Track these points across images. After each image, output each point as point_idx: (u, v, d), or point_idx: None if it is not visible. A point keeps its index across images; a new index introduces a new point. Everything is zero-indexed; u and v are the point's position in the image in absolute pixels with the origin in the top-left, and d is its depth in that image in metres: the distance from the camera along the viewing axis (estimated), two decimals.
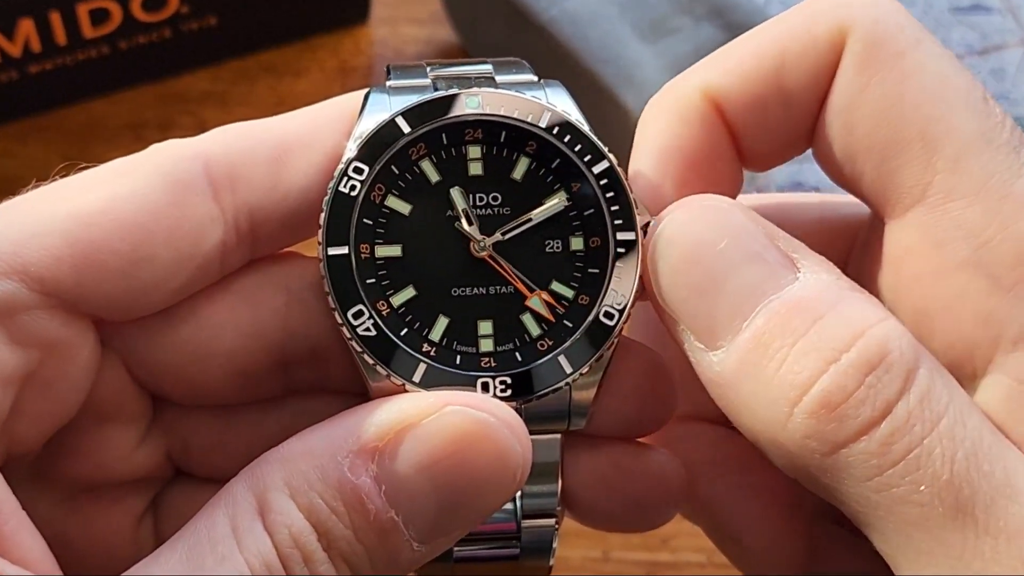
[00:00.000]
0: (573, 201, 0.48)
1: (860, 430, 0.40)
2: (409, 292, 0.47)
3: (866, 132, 0.45)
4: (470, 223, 0.47)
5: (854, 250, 0.51)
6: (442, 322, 0.47)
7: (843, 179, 0.47)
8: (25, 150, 0.94)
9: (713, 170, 0.48)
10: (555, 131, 0.47)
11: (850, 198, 0.49)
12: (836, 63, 0.46)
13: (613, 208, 0.47)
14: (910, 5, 1.00)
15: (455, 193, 0.47)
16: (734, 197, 0.48)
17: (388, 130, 0.47)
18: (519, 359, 0.47)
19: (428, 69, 0.49)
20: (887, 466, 0.40)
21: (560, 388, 0.46)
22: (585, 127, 0.47)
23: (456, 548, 0.48)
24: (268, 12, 1.00)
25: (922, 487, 0.39)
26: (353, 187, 0.46)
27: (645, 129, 0.49)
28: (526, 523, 0.48)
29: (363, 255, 0.46)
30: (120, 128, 0.96)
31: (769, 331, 0.42)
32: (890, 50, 0.45)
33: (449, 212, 0.47)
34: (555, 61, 0.91)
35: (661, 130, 0.48)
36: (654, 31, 0.90)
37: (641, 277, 0.46)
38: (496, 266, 0.47)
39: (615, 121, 0.87)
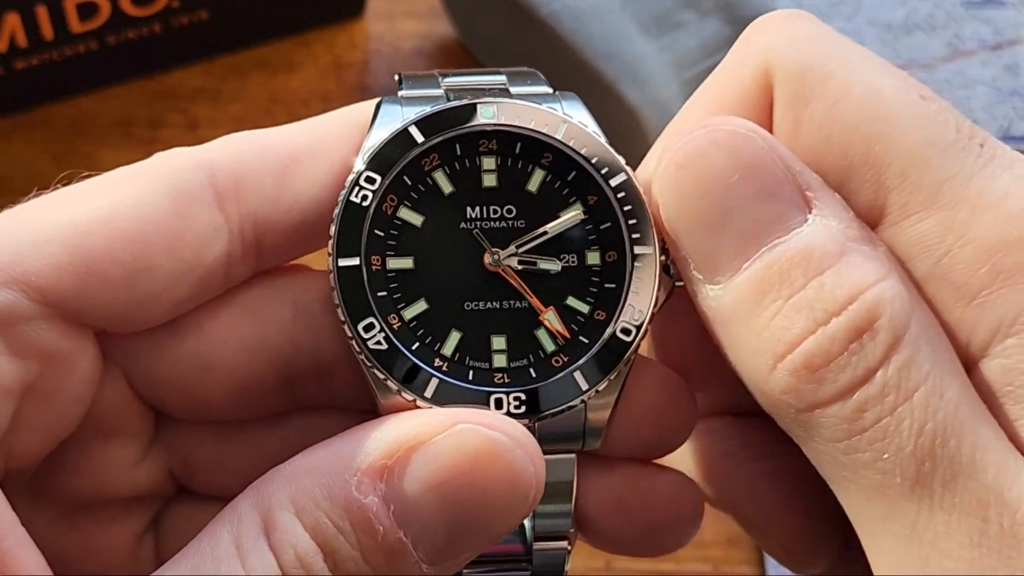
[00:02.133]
0: (589, 214, 0.48)
1: (836, 394, 0.41)
2: (421, 305, 0.47)
3: (812, 167, 0.45)
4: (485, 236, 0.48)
5: None
6: (454, 336, 0.47)
7: None
8: (11, 148, 0.94)
9: None
10: (572, 143, 0.47)
11: None
12: (771, 106, 0.46)
13: (631, 222, 0.47)
14: (921, 1, 1.00)
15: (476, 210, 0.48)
16: None
17: (401, 140, 0.47)
18: (533, 375, 0.47)
19: (441, 79, 0.49)
20: (856, 432, 0.41)
21: (575, 406, 0.47)
22: (602, 139, 0.48)
23: (465, 570, 0.48)
24: (261, 6, 1.00)
25: (885, 455, 0.41)
26: (365, 197, 0.46)
27: None
28: (538, 545, 0.49)
29: (374, 267, 0.47)
30: (109, 125, 0.96)
31: (767, 279, 0.43)
32: (814, 79, 0.45)
33: (463, 224, 0.48)
34: (556, 56, 0.91)
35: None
36: (658, 25, 0.91)
37: (659, 291, 0.47)
38: (510, 280, 0.47)
39: (618, 119, 0.87)
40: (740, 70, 0.47)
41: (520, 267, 0.47)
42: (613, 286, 0.47)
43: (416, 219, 0.48)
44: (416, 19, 1.05)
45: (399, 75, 0.50)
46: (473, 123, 0.47)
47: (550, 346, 0.47)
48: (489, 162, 0.48)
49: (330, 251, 0.46)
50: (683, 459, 0.55)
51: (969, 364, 0.43)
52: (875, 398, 0.41)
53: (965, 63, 0.98)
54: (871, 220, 0.44)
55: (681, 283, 0.47)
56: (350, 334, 0.46)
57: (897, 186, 0.43)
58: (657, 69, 0.89)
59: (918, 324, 0.42)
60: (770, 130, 0.46)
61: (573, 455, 0.48)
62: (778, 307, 0.42)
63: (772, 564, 0.77)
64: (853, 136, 0.44)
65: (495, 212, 0.48)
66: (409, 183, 0.47)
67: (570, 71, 0.90)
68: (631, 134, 0.86)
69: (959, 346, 0.43)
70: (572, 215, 0.48)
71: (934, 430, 0.40)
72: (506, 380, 0.47)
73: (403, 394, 0.46)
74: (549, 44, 0.92)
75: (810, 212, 0.43)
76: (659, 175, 0.45)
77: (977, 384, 0.42)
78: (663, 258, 0.47)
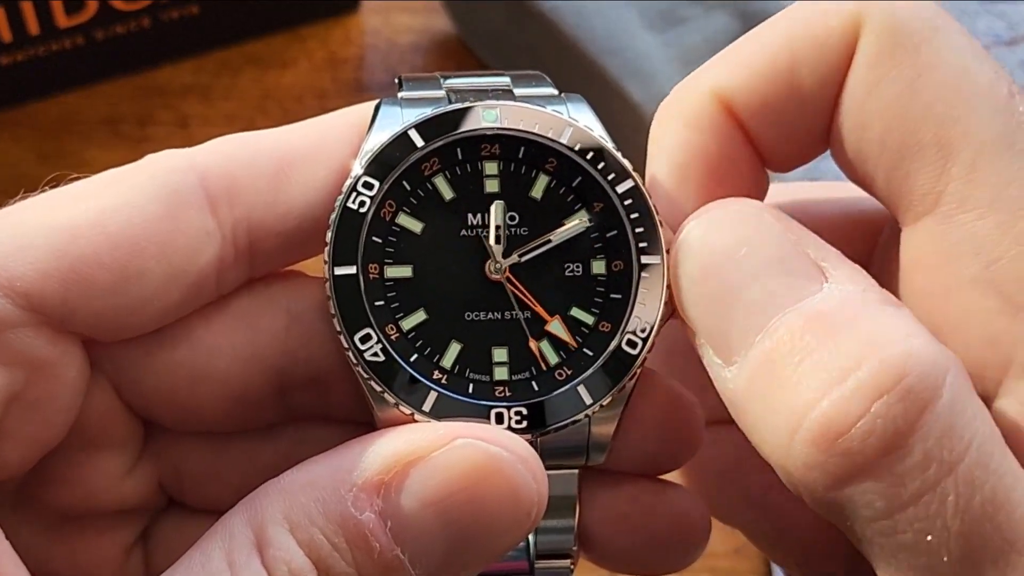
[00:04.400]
0: (595, 222, 0.48)
1: (866, 466, 0.39)
2: (420, 316, 0.47)
3: (878, 133, 0.44)
4: (497, 242, 0.47)
5: (877, 250, 0.51)
6: (454, 348, 0.47)
7: (859, 180, 0.47)
8: None
9: (734, 176, 0.48)
10: (577, 148, 0.47)
11: None
12: (850, 58, 0.45)
13: (638, 230, 0.47)
14: None
15: (496, 208, 0.47)
16: (761, 199, 0.49)
17: (400, 144, 0.47)
18: (536, 389, 0.47)
19: (442, 80, 0.49)
20: (894, 510, 0.39)
21: (579, 420, 0.47)
22: (609, 144, 0.48)
23: None
24: (253, 0, 1.00)
25: (929, 537, 0.39)
26: (362, 203, 0.46)
27: (658, 139, 0.49)
28: (540, 563, 0.49)
29: (372, 276, 0.47)
30: (96, 123, 0.96)
31: (779, 347, 0.41)
32: (906, 43, 0.44)
33: (463, 231, 0.48)
34: (558, 52, 0.91)
35: (675, 140, 0.48)
36: (663, 20, 0.91)
37: (667, 302, 0.47)
38: (513, 290, 0.47)
39: (622, 116, 0.87)
40: (826, 16, 0.46)
41: (526, 260, 0.47)
42: (619, 297, 0.47)
43: (415, 226, 0.48)
44: (413, 13, 1.05)
45: (399, 77, 0.50)
46: (475, 127, 0.47)
47: (553, 358, 0.47)
48: (491, 167, 0.48)
49: (326, 259, 0.46)
50: (689, 471, 0.55)
51: (1009, 380, 0.42)
52: (914, 471, 0.38)
53: None
54: (925, 206, 0.44)
55: None
56: (346, 345, 0.46)
57: (962, 176, 0.43)
58: (661, 65, 0.89)
59: (955, 383, 0.39)
60: (842, 83, 0.45)
61: (576, 470, 0.48)
62: (789, 375, 0.40)
63: (779, 574, 0.77)
64: (929, 112, 0.43)
65: None
66: (408, 188, 0.47)
67: (572, 67, 0.90)
68: (635, 132, 0.86)
69: (998, 359, 0.42)
70: (577, 223, 0.48)
71: (982, 504, 0.38)
72: (507, 394, 0.47)
73: (401, 407, 0.46)
74: (550, 39, 0.92)
75: (826, 281, 0.42)
76: (671, 264, 0.45)
77: (1018, 400, 0.41)
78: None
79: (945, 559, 0.39)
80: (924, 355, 0.39)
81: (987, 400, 0.42)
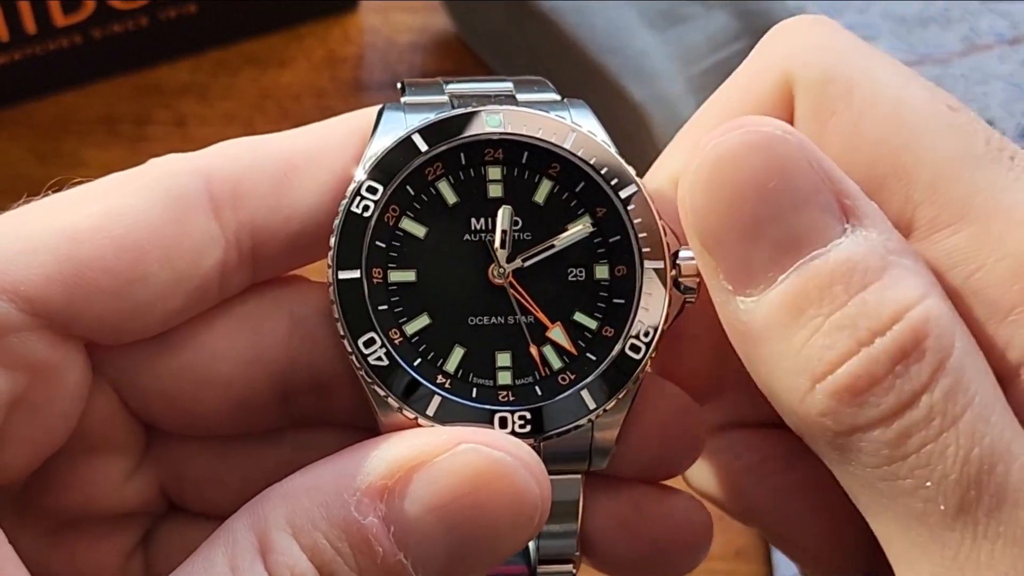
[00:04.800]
0: (598, 227, 0.48)
1: (880, 419, 0.41)
2: (423, 320, 0.47)
3: None
4: (503, 246, 0.47)
5: None
6: (458, 352, 0.48)
7: None
8: None
9: None
10: (580, 153, 0.48)
11: None
12: (791, 118, 0.46)
13: (641, 235, 0.47)
14: None
15: (503, 212, 0.48)
16: None
17: (404, 148, 0.47)
18: (539, 393, 0.47)
19: (445, 86, 0.50)
20: (898, 457, 0.41)
21: (582, 425, 0.47)
22: (612, 149, 0.48)
23: None
24: None
25: (928, 483, 0.40)
26: (366, 208, 0.47)
27: None
28: (542, 568, 0.49)
29: (375, 280, 0.47)
30: (93, 122, 0.96)
31: (806, 293, 0.42)
32: (838, 89, 0.45)
33: (467, 236, 0.48)
34: (558, 51, 0.91)
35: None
36: (663, 19, 0.90)
37: (669, 306, 0.47)
38: (516, 294, 0.48)
39: (622, 116, 0.87)
40: (759, 76, 0.47)
41: (529, 265, 0.48)
42: (622, 302, 0.48)
43: (419, 230, 0.48)
44: (412, 12, 1.05)
45: (401, 82, 0.50)
46: (478, 131, 0.48)
47: (557, 363, 0.48)
48: (495, 172, 0.48)
49: (330, 263, 0.47)
50: (702, 476, 0.55)
51: (1002, 382, 0.42)
52: (920, 423, 0.40)
53: (981, 58, 0.97)
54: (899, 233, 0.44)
55: (692, 300, 0.47)
56: (350, 349, 0.46)
57: (926, 199, 0.43)
58: (662, 64, 0.89)
59: (961, 344, 0.41)
60: None
61: (579, 475, 0.48)
62: (818, 324, 0.41)
63: None
64: (880, 148, 0.44)
65: None
66: (412, 193, 0.48)
67: (572, 66, 0.90)
68: (636, 132, 0.86)
69: (990, 364, 0.42)
70: (580, 227, 0.48)
71: (980, 456, 0.40)
72: (511, 398, 0.47)
73: (404, 412, 0.46)
74: (550, 38, 0.92)
75: (848, 222, 0.42)
76: (690, 176, 0.44)
77: (1011, 404, 0.42)
78: (673, 272, 0.47)
79: (942, 507, 0.40)
80: (940, 316, 0.41)
81: None
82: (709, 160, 0.43)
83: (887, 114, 0.44)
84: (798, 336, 0.42)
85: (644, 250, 0.47)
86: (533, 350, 0.48)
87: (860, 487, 0.43)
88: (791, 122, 0.46)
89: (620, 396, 0.47)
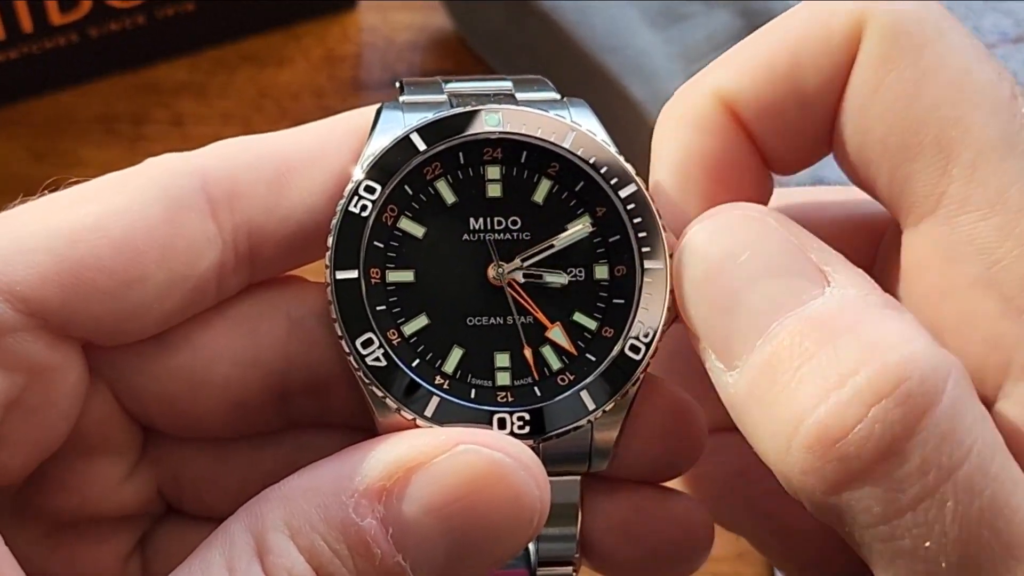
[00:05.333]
0: (598, 227, 0.48)
1: (863, 470, 0.39)
2: (422, 320, 0.47)
3: (880, 135, 0.45)
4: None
5: (879, 253, 0.51)
6: (456, 353, 0.48)
7: (861, 183, 0.47)
8: None
9: (738, 178, 0.48)
10: (580, 152, 0.48)
11: None
12: (853, 60, 0.46)
13: (640, 235, 0.47)
14: None
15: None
16: (765, 203, 0.49)
17: (402, 147, 0.47)
18: (538, 394, 0.47)
19: (444, 85, 0.50)
20: (892, 515, 0.39)
21: (581, 426, 0.47)
22: (612, 148, 0.48)
23: None
24: None
25: (928, 543, 0.39)
26: (364, 207, 0.47)
27: (661, 142, 0.49)
28: (541, 571, 0.49)
29: (373, 280, 0.47)
30: (90, 121, 0.96)
31: (780, 352, 0.41)
32: (908, 44, 0.44)
33: (465, 236, 0.48)
34: (557, 49, 0.91)
35: (679, 142, 0.48)
36: (664, 17, 0.91)
37: (670, 308, 0.47)
38: (515, 295, 0.48)
39: (622, 114, 0.87)
40: (829, 16, 0.46)
41: (524, 280, 0.48)
42: (622, 302, 0.48)
43: (417, 230, 0.48)
44: (411, 10, 1.05)
45: (400, 81, 0.50)
46: (477, 130, 0.48)
47: (556, 364, 0.48)
48: (494, 171, 0.48)
49: (327, 263, 0.47)
50: (693, 478, 0.55)
51: (1009, 382, 0.42)
52: (912, 476, 0.38)
53: None
54: (926, 207, 0.44)
55: None
56: (348, 350, 0.46)
57: (963, 177, 0.43)
58: (663, 63, 0.89)
59: (956, 389, 0.39)
60: (845, 84, 0.46)
61: (578, 477, 0.48)
62: (788, 380, 0.41)
63: None
64: (932, 114, 0.44)
65: (500, 224, 0.48)
66: (410, 193, 0.48)
67: (572, 65, 0.90)
68: (636, 131, 0.86)
69: (998, 362, 0.42)
70: (580, 227, 0.48)
71: (981, 511, 0.39)
72: (510, 399, 0.47)
73: (402, 412, 0.46)
74: (550, 37, 0.92)
75: (828, 285, 0.42)
76: (674, 269, 0.45)
77: (1018, 403, 0.42)
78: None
79: (943, 565, 0.39)
80: (925, 359, 0.39)
81: (987, 402, 0.42)
82: (686, 248, 0.45)
83: (950, 81, 0.44)
84: (772, 395, 0.41)
85: (644, 250, 0.47)
86: (527, 352, 0.48)
87: (860, 547, 0.41)
88: (850, 63, 0.46)
89: (620, 397, 0.47)
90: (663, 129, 0.49)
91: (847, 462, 0.39)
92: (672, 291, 0.47)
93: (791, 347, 0.41)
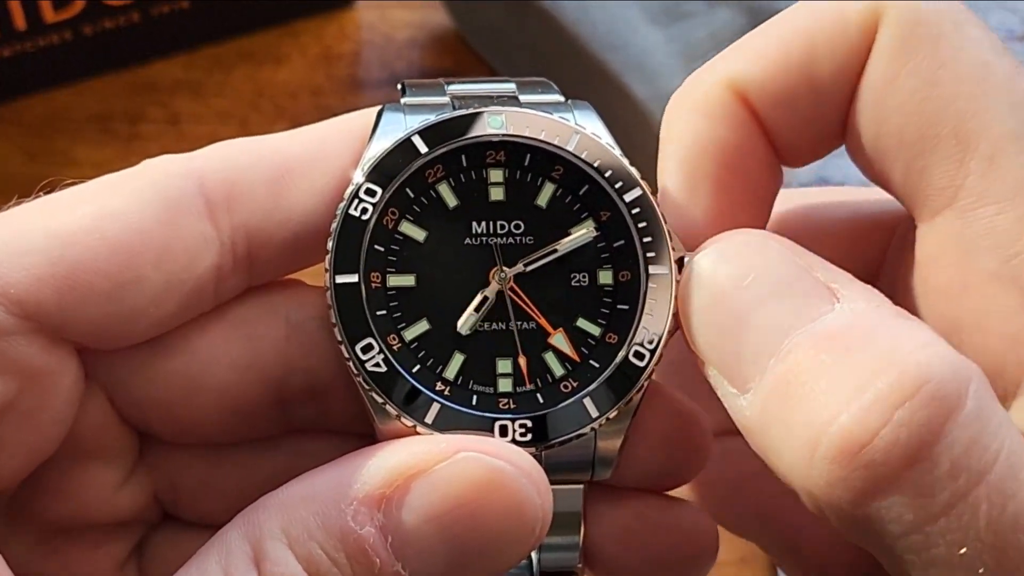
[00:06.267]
0: (602, 231, 0.48)
1: (892, 479, 0.39)
2: (423, 326, 0.47)
3: (896, 127, 0.45)
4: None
5: (889, 252, 0.51)
6: (457, 359, 0.47)
7: (875, 176, 0.47)
8: None
9: (748, 168, 0.48)
10: (584, 155, 0.47)
11: (885, 194, 0.48)
12: (868, 51, 0.46)
13: (645, 240, 0.47)
14: None
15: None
16: (774, 196, 0.49)
17: (403, 150, 0.47)
18: (540, 401, 0.47)
19: (446, 86, 0.50)
20: (925, 522, 0.39)
21: (584, 434, 0.47)
22: (616, 151, 0.48)
23: None
24: None
25: (963, 549, 0.39)
26: (364, 210, 0.47)
27: (671, 130, 0.49)
28: None
29: (374, 284, 0.47)
30: (85, 120, 0.96)
31: (794, 369, 0.41)
32: (925, 36, 0.44)
33: (468, 240, 0.48)
34: (558, 48, 0.91)
35: (689, 131, 0.48)
36: (666, 14, 0.90)
37: (675, 314, 0.47)
38: (517, 300, 0.47)
39: (624, 113, 0.87)
40: (845, 6, 0.46)
41: (531, 269, 0.48)
42: (626, 307, 0.48)
43: (419, 234, 0.48)
44: (410, 8, 1.05)
45: (402, 83, 0.50)
46: (480, 133, 0.47)
47: (559, 370, 0.48)
48: (496, 175, 0.48)
49: (327, 267, 0.46)
50: (699, 483, 0.55)
51: None
52: (943, 480, 0.38)
53: None
54: (942, 200, 0.44)
55: None
56: (347, 355, 0.46)
57: (981, 170, 0.43)
58: (665, 61, 0.89)
59: (979, 392, 0.39)
60: (859, 75, 0.46)
61: (581, 486, 0.48)
62: (806, 395, 0.40)
63: None
64: (948, 106, 0.44)
65: (502, 228, 0.48)
66: (412, 196, 0.48)
67: (573, 63, 0.90)
68: (638, 131, 0.86)
69: (1017, 357, 0.42)
70: (584, 232, 0.48)
71: (1015, 513, 0.38)
72: (512, 406, 0.47)
73: (403, 419, 0.46)
74: (550, 35, 0.92)
75: (837, 301, 0.42)
76: (680, 298, 0.45)
77: None
78: (679, 278, 0.47)
79: (981, 571, 0.39)
80: (944, 362, 0.39)
81: (1006, 399, 0.42)
82: (691, 277, 0.45)
83: (968, 74, 0.44)
84: (791, 410, 0.41)
85: (648, 255, 0.47)
86: (522, 361, 0.47)
87: (892, 561, 0.41)
88: (866, 53, 0.46)
89: (624, 404, 0.47)
90: (673, 117, 0.49)
91: (874, 469, 0.39)
92: (677, 298, 0.46)
93: (805, 362, 0.41)
